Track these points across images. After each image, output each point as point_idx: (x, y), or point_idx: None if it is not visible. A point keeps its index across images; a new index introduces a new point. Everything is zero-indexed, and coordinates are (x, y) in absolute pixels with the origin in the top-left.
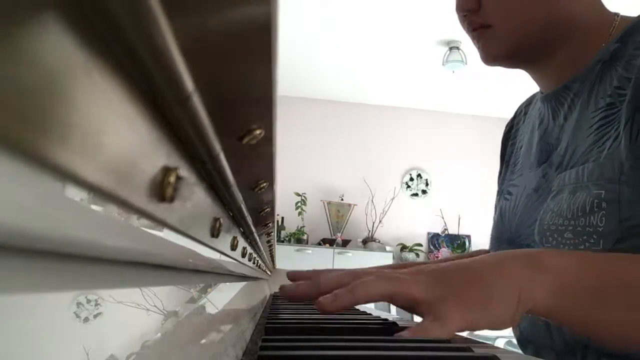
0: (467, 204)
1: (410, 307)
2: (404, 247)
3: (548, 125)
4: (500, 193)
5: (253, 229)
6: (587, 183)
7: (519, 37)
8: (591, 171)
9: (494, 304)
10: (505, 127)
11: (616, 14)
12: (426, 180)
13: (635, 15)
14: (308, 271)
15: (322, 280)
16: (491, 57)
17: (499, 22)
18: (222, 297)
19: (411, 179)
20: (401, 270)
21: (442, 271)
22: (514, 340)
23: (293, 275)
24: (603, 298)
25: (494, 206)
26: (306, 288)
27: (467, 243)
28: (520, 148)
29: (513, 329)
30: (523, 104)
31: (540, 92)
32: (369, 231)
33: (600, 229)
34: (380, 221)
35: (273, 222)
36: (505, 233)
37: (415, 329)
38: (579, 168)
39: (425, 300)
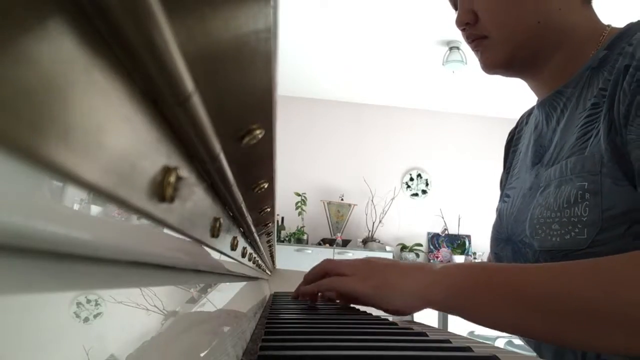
0: (467, 204)
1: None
2: (404, 247)
3: (542, 129)
4: (500, 197)
5: (253, 229)
6: (570, 176)
7: (514, 46)
8: (574, 165)
9: (396, 293)
10: (508, 136)
11: (608, 26)
12: (426, 180)
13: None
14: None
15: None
16: (490, 66)
17: (494, 32)
18: (222, 297)
19: (411, 179)
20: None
21: (368, 271)
22: (515, 341)
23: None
24: (484, 293)
25: (495, 210)
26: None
27: (467, 243)
28: (520, 154)
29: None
30: (525, 113)
31: (537, 99)
32: (369, 231)
33: (585, 219)
34: (380, 221)
35: (273, 222)
36: (503, 233)
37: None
38: (563, 162)
39: (355, 290)
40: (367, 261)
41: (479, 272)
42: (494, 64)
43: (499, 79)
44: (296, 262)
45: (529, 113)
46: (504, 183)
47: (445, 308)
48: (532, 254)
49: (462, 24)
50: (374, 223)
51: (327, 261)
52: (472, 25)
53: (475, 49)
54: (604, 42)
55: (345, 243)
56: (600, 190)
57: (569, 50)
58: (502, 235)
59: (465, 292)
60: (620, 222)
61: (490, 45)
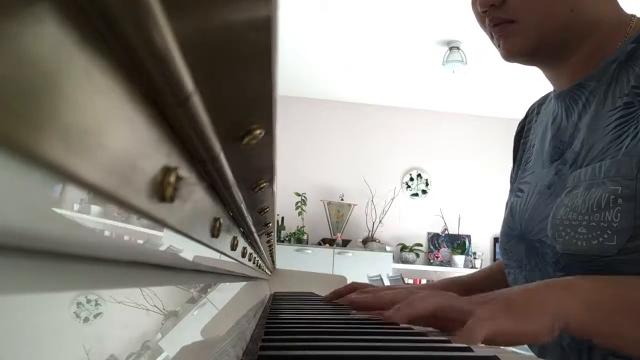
0: (467, 204)
1: (458, 318)
2: (404, 247)
3: (561, 123)
4: (511, 191)
5: (253, 229)
6: (603, 179)
7: (543, 33)
8: (608, 168)
9: (527, 319)
10: (518, 126)
11: (633, 16)
12: (426, 180)
13: None
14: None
15: (383, 295)
16: (514, 53)
17: (523, 17)
18: (222, 297)
19: (411, 179)
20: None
21: (485, 297)
22: None
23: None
24: (625, 316)
25: (505, 204)
26: (371, 300)
27: (467, 243)
28: (533, 146)
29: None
30: (536, 103)
31: (554, 90)
32: (369, 231)
33: (615, 225)
34: (380, 221)
35: (273, 222)
36: (515, 229)
37: (460, 334)
38: (596, 165)
39: (472, 311)
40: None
41: (618, 288)
42: (519, 51)
43: (498, 79)
44: (296, 262)
45: (540, 103)
46: (515, 176)
47: (584, 332)
48: (552, 255)
49: (486, 4)
50: (374, 223)
51: (404, 289)
52: (497, 8)
53: (499, 33)
54: (632, 34)
55: (345, 243)
56: (635, 196)
57: (596, 41)
58: (514, 232)
59: (609, 313)
60: None
61: (517, 31)
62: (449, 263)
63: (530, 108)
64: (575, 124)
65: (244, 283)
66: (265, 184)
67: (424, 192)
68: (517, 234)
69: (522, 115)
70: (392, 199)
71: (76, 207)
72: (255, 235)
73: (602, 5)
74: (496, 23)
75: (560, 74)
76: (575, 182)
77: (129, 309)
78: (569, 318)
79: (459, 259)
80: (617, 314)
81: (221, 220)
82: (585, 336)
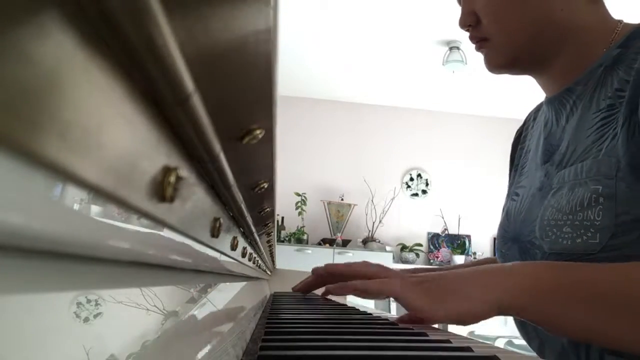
0: (467, 204)
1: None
2: (404, 247)
3: (551, 127)
4: (508, 195)
5: (253, 229)
6: (585, 179)
7: (515, 48)
8: (589, 168)
9: (462, 302)
10: (516, 133)
11: (619, 21)
12: (426, 180)
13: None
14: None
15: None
16: (493, 67)
17: (495, 35)
18: (222, 297)
19: (411, 179)
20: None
21: (425, 280)
22: (515, 341)
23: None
24: (562, 297)
25: (502, 208)
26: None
27: (467, 243)
28: (529, 152)
29: (516, 324)
30: (533, 110)
31: (546, 96)
32: (369, 231)
33: (597, 223)
34: (380, 221)
35: (273, 222)
36: (510, 232)
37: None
38: (578, 165)
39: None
40: (414, 271)
41: (561, 272)
42: (498, 65)
43: (498, 79)
44: (296, 262)
45: (537, 109)
46: (511, 181)
47: (524, 314)
48: (541, 255)
49: (464, 25)
50: (374, 223)
51: (365, 263)
52: (474, 27)
53: (479, 49)
54: (617, 39)
55: (345, 243)
56: (615, 195)
57: (576, 48)
58: (509, 235)
59: (551, 296)
60: (633, 227)
61: (492, 47)
62: (449, 263)
63: (528, 115)
64: (563, 127)
65: (244, 283)
66: (265, 184)
67: (424, 192)
68: (511, 237)
69: (522, 115)
70: (392, 199)
71: (76, 207)
72: (255, 235)
73: (577, 15)
74: (476, 40)
75: (548, 80)
76: (560, 183)
77: (129, 309)
78: (502, 302)
79: (459, 259)
80: (553, 298)
81: (221, 220)
82: (521, 318)
